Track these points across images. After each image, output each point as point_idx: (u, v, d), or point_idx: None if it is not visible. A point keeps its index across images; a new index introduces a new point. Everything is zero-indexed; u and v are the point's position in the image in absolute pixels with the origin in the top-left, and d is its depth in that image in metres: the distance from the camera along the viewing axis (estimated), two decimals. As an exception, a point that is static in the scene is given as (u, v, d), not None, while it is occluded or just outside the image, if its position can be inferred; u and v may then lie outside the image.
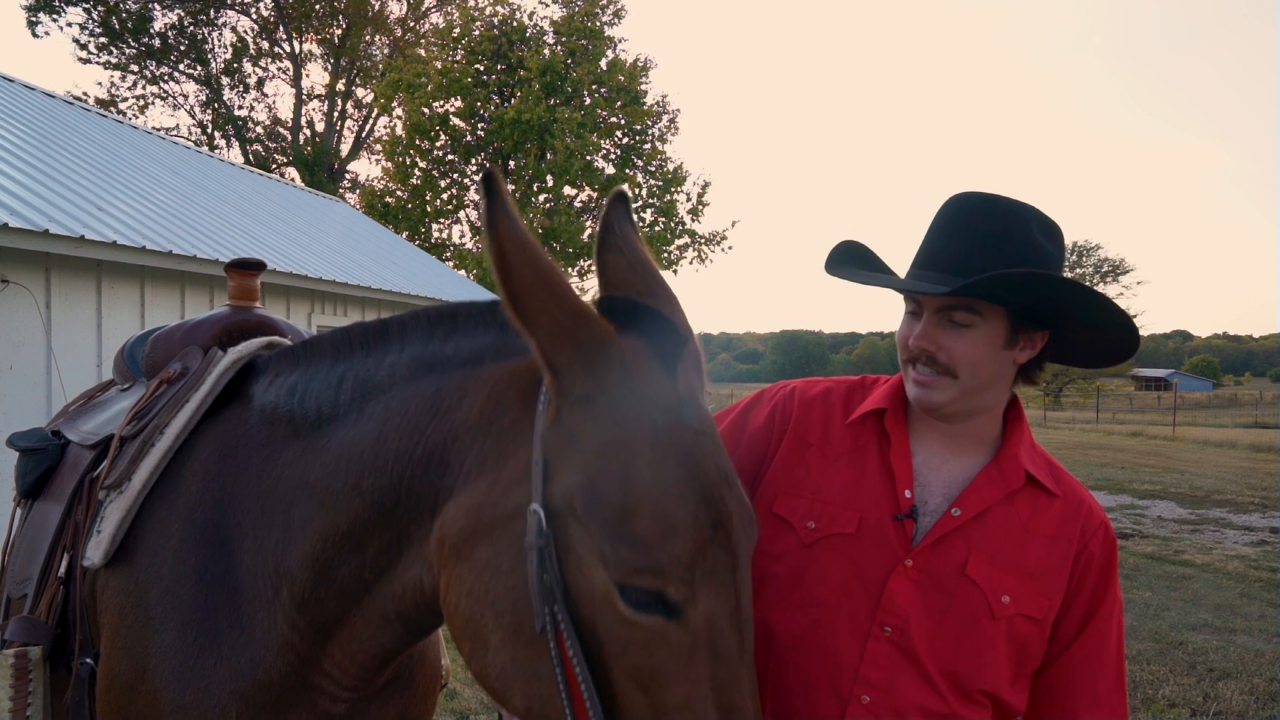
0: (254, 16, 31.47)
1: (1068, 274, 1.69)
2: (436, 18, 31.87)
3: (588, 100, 21.69)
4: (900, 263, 1.69)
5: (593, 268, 1.36)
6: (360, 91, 33.18)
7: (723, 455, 1.25)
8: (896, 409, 1.71)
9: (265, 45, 31.96)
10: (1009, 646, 1.58)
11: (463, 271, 24.09)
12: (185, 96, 35.50)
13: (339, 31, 31.61)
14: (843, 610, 1.61)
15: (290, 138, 32.71)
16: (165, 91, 31.49)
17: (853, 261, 1.71)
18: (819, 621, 1.61)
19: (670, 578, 1.13)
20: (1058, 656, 1.63)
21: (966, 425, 1.66)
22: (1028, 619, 1.59)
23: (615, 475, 1.15)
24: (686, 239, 23.38)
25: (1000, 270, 1.48)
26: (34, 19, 27.83)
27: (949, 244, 1.59)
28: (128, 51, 30.04)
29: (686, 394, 1.24)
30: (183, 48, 30.70)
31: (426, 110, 26.29)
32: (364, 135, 33.66)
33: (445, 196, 27.53)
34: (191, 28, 30.68)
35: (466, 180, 27.52)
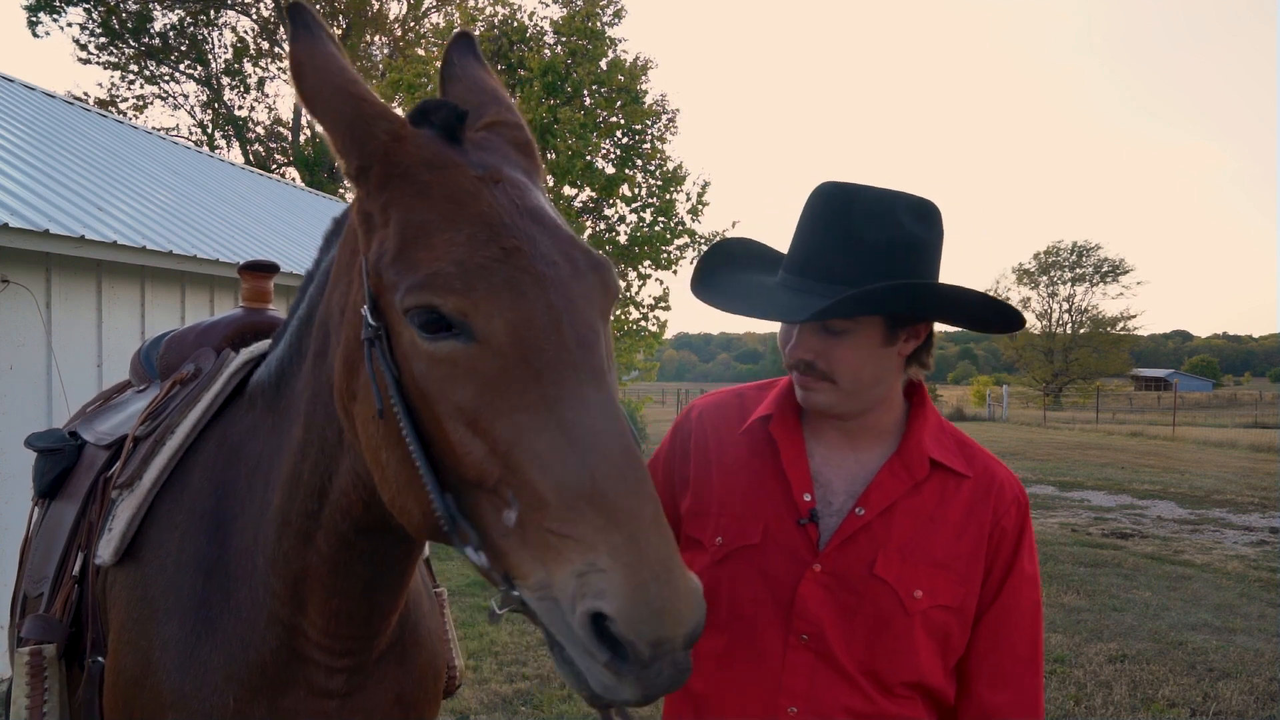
0: (254, 16, 31.47)
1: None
2: (436, 18, 31.86)
3: (588, 101, 21.64)
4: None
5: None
6: (360, 91, 33.11)
7: (530, 196, 1.23)
8: (785, 412, 1.67)
9: (265, 45, 31.95)
10: (929, 638, 1.56)
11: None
12: (185, 96, 35.60)
13: (339, 31, 31.57)
14: (759, 623, 1.58)
15: (290, 138, 32.69)
16: (165, 91, 31.49)
17: (730, 265, 1.67)
18: (739, 637, 1.58)
19: (439, 289, 1.11)
20: (967, 635, 1.59)
21: (862, 420, 1.62)
22: (943, 609, 1.56)
23: (395, 226, 1.18)
24: (686, 239, 23.37)
25: (863, 288, 1.44)
26: (34, 19, 27.80)
27: (817, 248, 1.54)
28: (128, 51, 30.01)
29: (475, 160, 1.24)
30: (183, 48, 30.68)
31: (426, 110, 26.12)
32: (364, 135, 33.59)
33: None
34: (191, 28, 30.65)
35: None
